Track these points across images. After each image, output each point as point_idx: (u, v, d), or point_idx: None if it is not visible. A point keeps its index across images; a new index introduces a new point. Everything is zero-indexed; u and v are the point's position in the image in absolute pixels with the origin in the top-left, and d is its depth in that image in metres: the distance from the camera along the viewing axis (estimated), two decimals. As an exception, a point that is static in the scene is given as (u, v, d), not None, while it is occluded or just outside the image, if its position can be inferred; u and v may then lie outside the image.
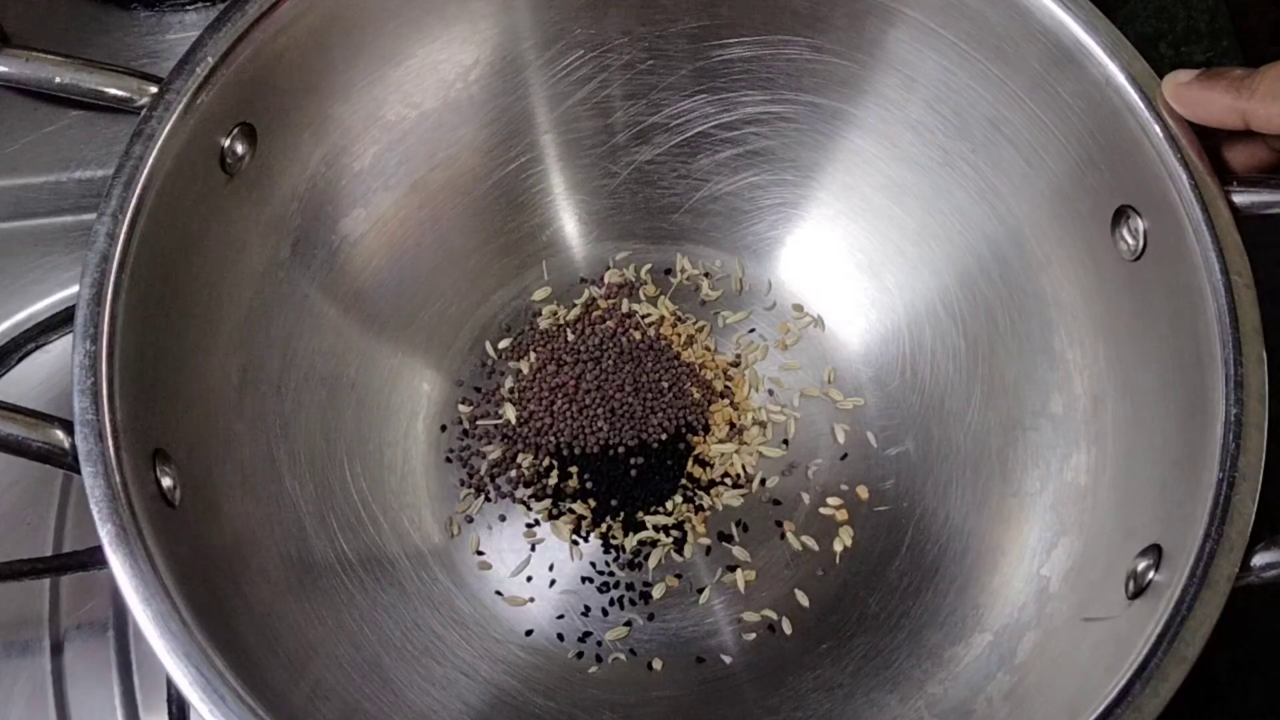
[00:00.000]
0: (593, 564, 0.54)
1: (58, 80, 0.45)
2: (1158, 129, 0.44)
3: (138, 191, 0.42)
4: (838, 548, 0.54)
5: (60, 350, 0.54)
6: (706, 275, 0.59)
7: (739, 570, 0.53)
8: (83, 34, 0.62)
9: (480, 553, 0.54)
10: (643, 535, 0.54)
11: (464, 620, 0.51)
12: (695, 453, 0.55)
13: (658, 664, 0.52)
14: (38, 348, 0.54)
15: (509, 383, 0.57)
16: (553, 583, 0.54)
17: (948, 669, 0.49)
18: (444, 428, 0.56)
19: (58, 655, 0.51)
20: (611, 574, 0.54)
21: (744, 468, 0.55)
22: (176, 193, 0.44)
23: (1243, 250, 0.42)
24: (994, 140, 0.51)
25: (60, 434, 0.40)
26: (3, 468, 0.53)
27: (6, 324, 0.57)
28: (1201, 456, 0.41)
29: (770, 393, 0.57)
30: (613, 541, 0.54)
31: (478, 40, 0.53)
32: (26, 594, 0.52)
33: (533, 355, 0.57)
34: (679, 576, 0.54)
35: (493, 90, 0.54)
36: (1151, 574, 0.41)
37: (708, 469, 0.55)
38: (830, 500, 0.55)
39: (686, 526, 0.54)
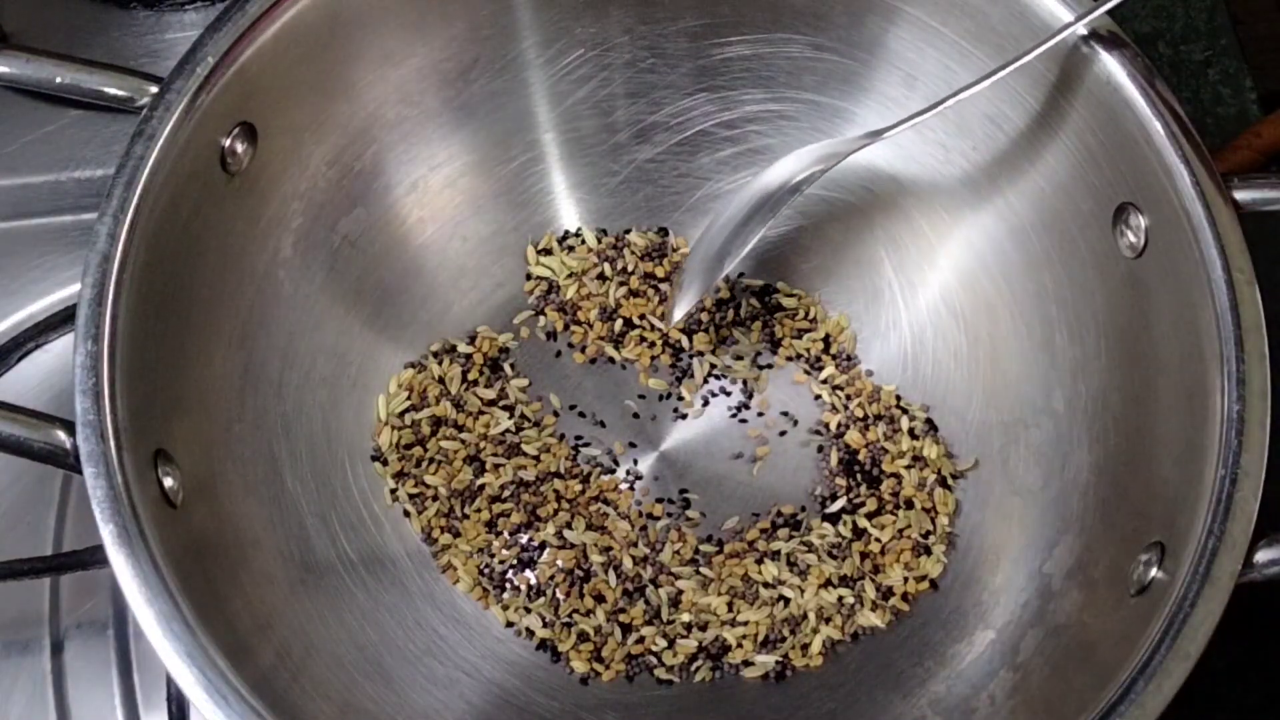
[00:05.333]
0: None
1: (58, 80, 0.45)
2: (1158, 126, 0.44)
3: (139, 191, 0.43)
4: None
5: (60, 350, 0.54)
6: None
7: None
8: (83, 34, 0.62)
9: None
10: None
11: (466, 620, 0.51)
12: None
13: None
14: (38, 347, 0.53)
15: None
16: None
17: (950, 667, 0.49)
18: (445, 427, 0.56)
19: (58, 655, 0.51)
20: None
21: None
22: (177, 193, 0.44)
23: (1244, 246, 0.42)
24: (994, 138, 0.51)
25: (62, 435, 0.40)
26: (3, 468, 0.53)
27: (6, 324, 0.57)
28: (1204, 453, 0.41)
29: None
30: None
31: (478, 39, 0.53)
32: (26, 593, 0.52)
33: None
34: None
35: (493, 89, 0.54)
36: (1154, 571, 0.41)
37: None
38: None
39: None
